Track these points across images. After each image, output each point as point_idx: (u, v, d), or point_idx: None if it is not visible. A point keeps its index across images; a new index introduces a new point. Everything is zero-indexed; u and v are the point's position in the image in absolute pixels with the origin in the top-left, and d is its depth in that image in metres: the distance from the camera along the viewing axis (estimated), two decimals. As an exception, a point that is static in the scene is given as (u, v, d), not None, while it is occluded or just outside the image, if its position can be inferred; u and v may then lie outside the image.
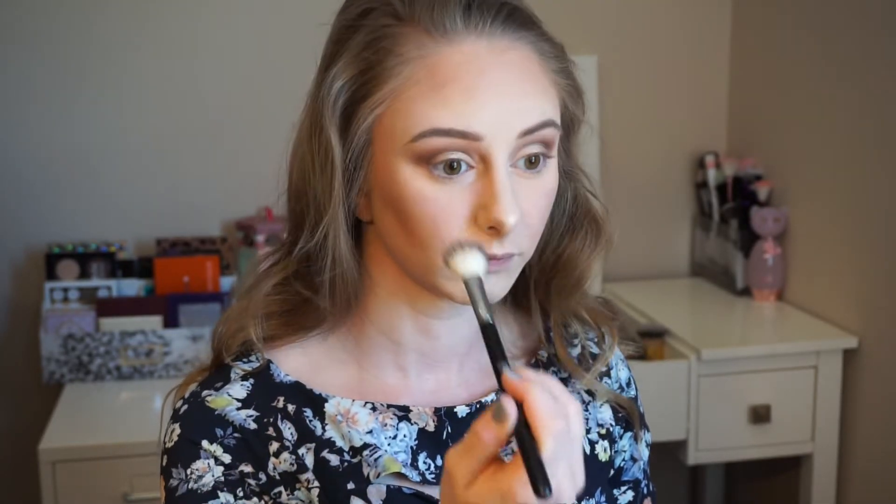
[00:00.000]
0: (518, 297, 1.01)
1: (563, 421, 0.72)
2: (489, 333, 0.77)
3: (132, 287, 2.41)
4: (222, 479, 0.88)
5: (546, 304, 1.00)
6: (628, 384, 1.08)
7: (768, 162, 2.65)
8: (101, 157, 2.55)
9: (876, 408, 2.27)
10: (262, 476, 0.89)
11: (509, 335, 1.01)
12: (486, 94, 0.83)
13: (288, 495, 0.89)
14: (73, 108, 2.52)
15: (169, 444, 0.91)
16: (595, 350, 1.04)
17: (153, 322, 2.32)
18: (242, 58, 2.59)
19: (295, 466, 0.89)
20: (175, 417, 0.92)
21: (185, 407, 0.92)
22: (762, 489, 2.66)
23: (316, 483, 0.89)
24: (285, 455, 0.89)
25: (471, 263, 0.82)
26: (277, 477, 0.89)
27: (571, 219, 0.97)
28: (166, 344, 2.28)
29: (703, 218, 2.78)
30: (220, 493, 0.88)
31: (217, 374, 0.94)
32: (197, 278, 2.40)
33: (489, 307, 0.78)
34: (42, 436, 2.03)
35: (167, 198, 2.59)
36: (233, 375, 0.93)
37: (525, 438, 0.70)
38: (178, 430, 0.91)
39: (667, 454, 2.33)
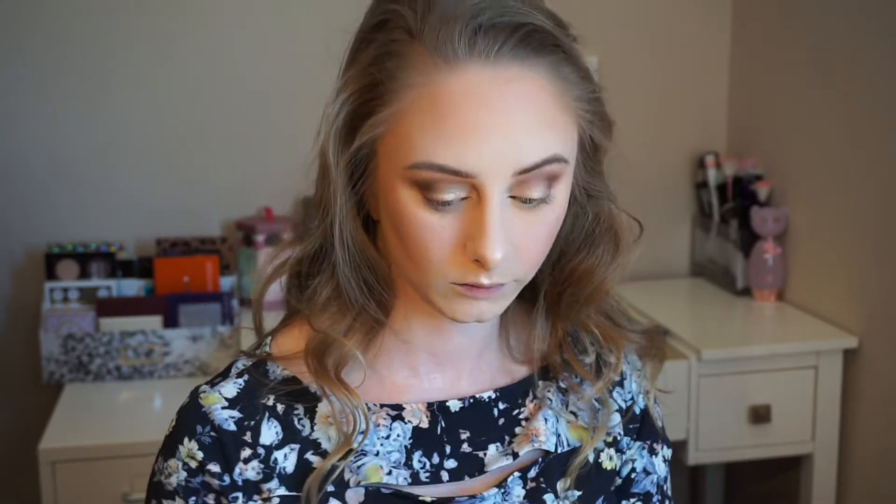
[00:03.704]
0: (535, 304, 1.00)
1: None
2: None
3: (132, 287, 2.41)
4: (183, 483, 0.90)
5: (555, 315, 0.99)
6: (642, 395, 1.07)
7: (768, 162, 2.65)
8: (101, 157, 2.55)
9: (876, 408, 2.27)
10: (227, 479, 0.90)
11: (525, 337, 1.00)
12: (485, 131, 0.80)
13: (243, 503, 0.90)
14: (73, 109, 2.52)
15: (167, 433, 0.93)
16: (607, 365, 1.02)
17: (153, 322, 2.32)
18: (243, 59, 2.59)
19: (261, 476, 0.90)
20: (178, 409, 0.93)
21: (188, 401, 0.93)
22: (762, 489, 2.66)
23: (277, 492, 0.89)
24: (254, 463, 0.90)
25: None
26: (240, 483, 0.90)
27: (590, 235, 0.95)
28: (166, 344, 2.28)
29: (703, 218, 2.78)
30: (176, 497, 0.90)
31: (224, 370, 0.95)
32: (197, 278, 2.40)
33: None
34: (42, 436, 2.03)
35: (167, 198, 2.59)
36: (233, 370, 0.94)
37: None
38: (174, 423, 0.92)
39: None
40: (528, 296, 0.99)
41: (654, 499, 1.05)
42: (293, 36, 2.57)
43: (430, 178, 0.81)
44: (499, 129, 0.80)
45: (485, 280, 0.83)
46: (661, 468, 1.05)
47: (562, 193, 0.86)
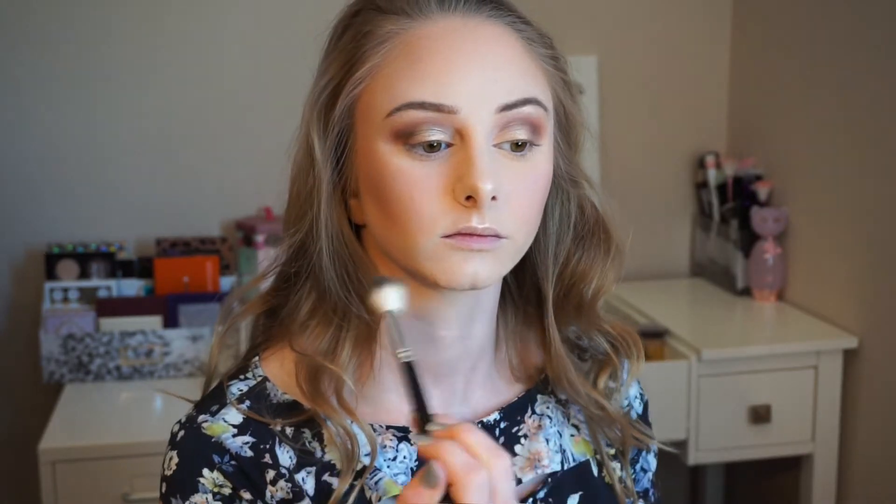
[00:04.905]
0: (529, 314, 1.00)
1: (481, 474, 0.73)
2: (407, 373, 0.77)
3: (132, 287, 2.41)
4: None
5: (562, 320, 0.97)
6: (638, 399, 1.07)
7: (768, 162, 2.65)
8: (101, 156, 2.55)
9: (876, 408, 2.27)
10: None
11: (513, 354, 1.00)
12: (463, 65, 0.82)
13: None
14: (73, 108, 2.52)
15: (168, 472, 0.90)
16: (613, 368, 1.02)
17: (153, 322, 2.32)
18: (242, 58, 2.59)
19: (291, 495, 0.88)
20: (173, 444, 0.90)
21: (182, 433, 0.90)
22: (762, 489, 2.66)
23: None
24: (282, 483, 0.88)
25: (390, 298, 0.80)
26: None
27: (579, 228, 0.95)
28: (166, 344, 2.28)
29: (704, 218, 2.78)
30: None
31: (213, 396, 0.93)
32: (197, 278, 2.40)
33: (404, 344, 0.78)
34: (42, 436, 2.03)
35: (167, 198, 2.59)
36: (228, 397, 0.91)
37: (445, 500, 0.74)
38: (175, 459, 0.89)
39: (667, 454, 2.32)
40: (526, 309, 0.99)
41: (651, 493, 1.07)
42: (294, 35, 2.57)
43: (412, 120, 0.82)
44: (476, 65, 0.83)
45: (477, 222, 0.82)
46: (652, 463, 1.08)
47: (545, 149, 0.87)
